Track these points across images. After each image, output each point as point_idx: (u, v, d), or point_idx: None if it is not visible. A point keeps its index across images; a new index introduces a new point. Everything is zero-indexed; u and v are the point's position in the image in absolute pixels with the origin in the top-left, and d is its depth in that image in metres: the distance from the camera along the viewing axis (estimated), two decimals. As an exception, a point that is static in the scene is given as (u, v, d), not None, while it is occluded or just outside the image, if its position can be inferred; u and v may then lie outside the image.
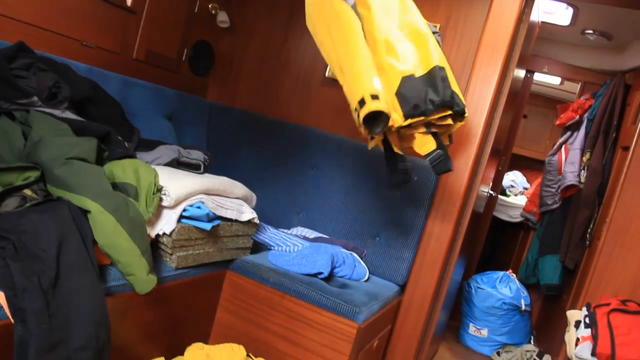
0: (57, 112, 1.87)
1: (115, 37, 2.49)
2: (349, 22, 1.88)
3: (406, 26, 2.01)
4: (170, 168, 2.03)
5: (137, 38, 2.60)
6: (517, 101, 3.87)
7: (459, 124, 2.10)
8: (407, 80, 1.90)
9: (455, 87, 2.02)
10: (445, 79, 1.96)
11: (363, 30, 1.91)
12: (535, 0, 2.58)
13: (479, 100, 2.40)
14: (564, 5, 3.20)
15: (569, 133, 3.67)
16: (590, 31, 3.43)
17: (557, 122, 3.75)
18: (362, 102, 1.78)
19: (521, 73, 3.56)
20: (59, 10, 2.20)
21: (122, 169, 1.76)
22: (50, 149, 1.64)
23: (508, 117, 3.22)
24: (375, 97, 1.78)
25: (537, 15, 2.99)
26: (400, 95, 1.89)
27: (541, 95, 5.34)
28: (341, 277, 2.26)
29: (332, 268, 2.20)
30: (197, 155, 2.15)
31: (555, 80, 4.65)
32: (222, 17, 3.01)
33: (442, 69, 1.96)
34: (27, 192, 1.58)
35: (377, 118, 1.81)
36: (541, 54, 3.98)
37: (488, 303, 3.56)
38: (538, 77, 4.31)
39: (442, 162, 2.03)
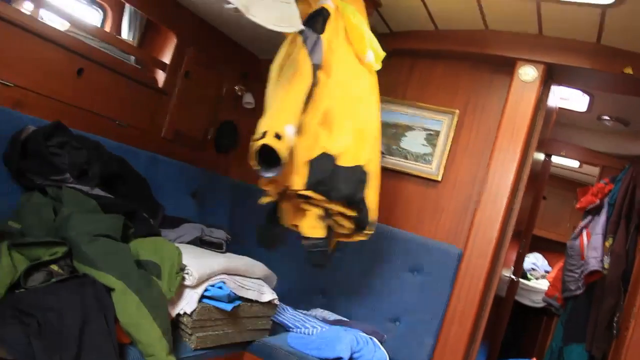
0: (86, 189, 1.93)
1: (146, 116, 2.61)
2: (302, 70, 1.88)
3: (357, 121, 2.05)
4: (193, 246, 2.05)
5: (166, 117, 2.72)
6: (537, 183, 3.88)
7: (357, 237, 2.13)
8: (326, 157, 1.93)
9: (371, 196, 2.04)
10: (362, 182, 2.00)
11: (312, 92, 1.92)
12: (552, 87, 2.65)
13: (500, 184, 2.42)
14: (580, 92, 3.28)
15: (589, 217, 3.64)
16: (607, 117, 3.49)
17: (578, 206, 3.73)
18: (263, 135, 1.76)
19: (540, 156, 3.60)
20: (96, 91, 2.32)
21: (146, 247, 1.78)
22: (79, 225, 1.68)
23: (528, 199, 3.22)
24: (278, 136, 1.75)
25: (554, 100, 3.06)
26: (312, 165, 1.91)
27: (561, 177, 5.35)
28: (361, 362, 2.20)
29: (352, 353, 2.13)
30: (219, 235, 2.18)
31: (574, 163, 4.67)
32: (248, 99, 3.13)
33: (364, 172, 2.00)
34: (54, 267, 1.60)
35: (273, 164, 1.79)
36: (559, 138, 4.03)
37: (512, 394, 3.40)
38: (557, 159, 4.34)
39: (320, 254, 2.03)
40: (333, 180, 1.93)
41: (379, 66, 2.20)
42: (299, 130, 1.88)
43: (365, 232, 2.10)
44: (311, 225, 2.04)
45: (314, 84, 1.92)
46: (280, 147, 1.75)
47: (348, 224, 2.08)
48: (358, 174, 1.99)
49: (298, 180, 1.92)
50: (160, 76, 2.69)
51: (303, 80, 1.88)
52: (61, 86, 2.17)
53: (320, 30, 1.96)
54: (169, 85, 2.69)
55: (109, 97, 2.40)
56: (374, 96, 2.16)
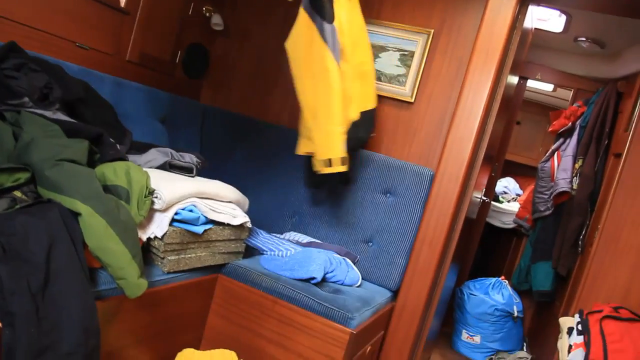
0: (48, 113, 1.85)
1: (109, 39, 2.48)
2: (336, 84, 2.12)
3: (359, 65, 2.28)
4: (162, 171, 2.01)
5: (130, 39, 2.59)
6: (510, 107, 3.88)
7: None
8: (353, 125, 2.23)
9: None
10: (372, 117, 2.40)
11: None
12: (529, 7, 2.58)
13: (472, 106, 2.40)
14: (557, 12, 3.22)
15: (561, 140, 3.69)
16: (583, 38, 3.45)
17: (550, 129, 3.77)
18: (329, 162, 2.14)
19: (514, 79, 3.57)
20: (53, 11, 2.18)
21: (113, 172, 1.74)
22: (41, 151, 1.62)
23: (501, 123, 3.23)
24: (344, 161, 2.14)
25: (531, 22, 3.00)
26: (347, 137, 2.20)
27: (534, 102, 5.37)
28: (334, 282, 2.25)
29: (325, 273, 2.18)
30: (189, 159, 2.14)
31: (548, 87, 4.67)
32: (216, 20, 3.00)
33: (372, 110, 2.37)
34: (17, 193, 1.56)
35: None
36: (534, 61, 4.00)
37: (480, 309, 3.56)
38: (531, 83, 4.33)
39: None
40: (356, 137, 2.26)
41: None
42: None
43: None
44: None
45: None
46: (345, 169, 2.18)
47: None
48: (370, 116, 2.36)
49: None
50: (122, -5, 2.54)
51: (339, 93, 2.13)
52: (13, 4, 2.03)
53: (331, 17, 2.11)
54: (132, 5, 2.54)
55: (67, 18, 2.26)
56: (364, 29, 2.36)
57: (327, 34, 2.10)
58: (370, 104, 2.36)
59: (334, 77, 2.11)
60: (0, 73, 1.76)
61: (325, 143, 2.17)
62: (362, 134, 2.32)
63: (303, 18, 2.16)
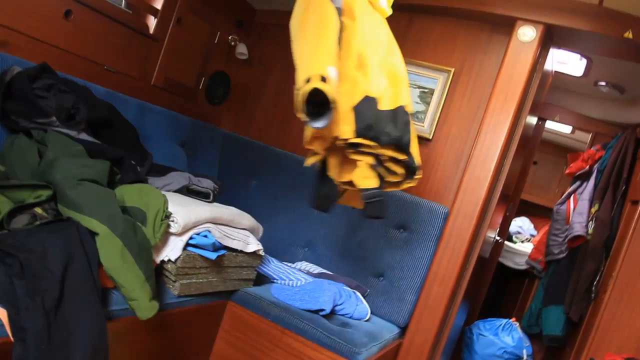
0: (73, 133, 1.90)
1: (136, 63, 2.55)
2: (327, 14, 1.76)
3: (386, 65, 1.95)
4: (179, 195, 2.05)
5: (157, 65, 2.66)
6: (528, 147, 3.88)
7: (406, 184, 2.01)
8: (369, 100, 1.82)
9: (414, 141, 1.94)
10: (407, 123, 1.88)
11: (340, 37, 1.80)
12: (550, 50, 2.61)
13: (490, 146, 2.41)
14: (578, 56, 3.24)
15: (578, 183, 3.67)
16: (603, 83, 3.46)
17: (567, 171, 3.75)
18: (307, 81, 1.64)
19: (533, 120, 3.58)
20: (84, 34, 2.26)
21: (132, 193, 1.78)
22: (64, 169, 1.66)
23: (518, 162, 3.23)
24: (324, 79, 1.63)
25: (551, 64, 3.03)
26: (357, 110, 1.80)
27: (552, 143, 5.35)
28: (342, 315, 2.24)
29: (334, 305, 2.18)
30: (207, 184, 2.17)
31: (566, 129, 4.66)
32: (241, 50, 3.07)
33: (407, 112, 1.90)
34: (38, 210, 1.59)
35: (321, 114, 1.68)
36: (554, 103, 4.00)
37: (489, 351, 3.49)
38: (550, 125, 4.33)
39: (378, 204, 1.91)
40: (380, 124, 1.82)
41: (390, 11, 2.10)
42: (338, 77, 1.76)
43: (415, 177, 2.00)
44: (364, 176, 1.92)
45: (341, 29, 1.81)
46: (329, 89, 1.62)
47: (399, 170, 1.95)
48: (402, 115, 1.88)
49: (346, 129, 1.80)
50: (152, 22, 2.61)
51: (331, 23, 1.76)
52: (47, 27, 2.11)
53: None
54: (160, 32, 2.63)
55: (98, 42, 2.33)
56: (395, 42, 2.06)
57: None
58: (402, 102, 1.91)
59: (326, 9, 1.77)
60: (31, 92, 1.82)
61: (304, 65, 1.73)
62: (393, 131, 1.83)
63: None
